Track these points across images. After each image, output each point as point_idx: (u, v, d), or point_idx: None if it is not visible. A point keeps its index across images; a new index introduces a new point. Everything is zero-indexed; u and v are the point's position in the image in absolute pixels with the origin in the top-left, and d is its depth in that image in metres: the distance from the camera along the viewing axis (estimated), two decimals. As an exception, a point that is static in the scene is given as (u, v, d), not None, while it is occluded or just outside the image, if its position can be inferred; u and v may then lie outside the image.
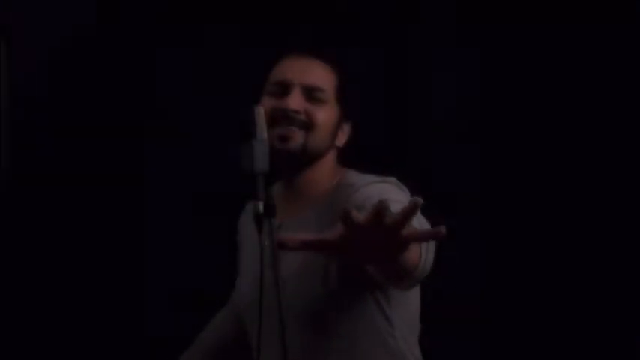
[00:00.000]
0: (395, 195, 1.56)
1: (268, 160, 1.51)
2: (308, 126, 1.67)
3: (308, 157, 1.70)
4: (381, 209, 1.05)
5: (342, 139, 1.77)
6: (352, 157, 1.80)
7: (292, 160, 1.69)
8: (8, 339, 2.67)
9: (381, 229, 1.07)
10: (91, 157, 2.79)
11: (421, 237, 1.16)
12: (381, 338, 1.65)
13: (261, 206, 1.49)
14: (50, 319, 2.74)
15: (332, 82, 1.72)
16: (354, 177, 1.71)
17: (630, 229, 2.50)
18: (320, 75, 1.71)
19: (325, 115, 1.69)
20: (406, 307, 1.69)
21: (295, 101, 1.67)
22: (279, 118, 1.65)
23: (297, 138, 1.66)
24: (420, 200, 1.06)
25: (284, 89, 1.69)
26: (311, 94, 1.69)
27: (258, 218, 1.48)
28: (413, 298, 1.72)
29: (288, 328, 1.54)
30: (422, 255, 1.42)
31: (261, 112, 1.57)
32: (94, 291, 2.78)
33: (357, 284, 1.60)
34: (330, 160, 1.75)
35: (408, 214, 1.07)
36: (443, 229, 1.07)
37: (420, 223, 1.47)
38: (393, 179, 1.66)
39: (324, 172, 1.73)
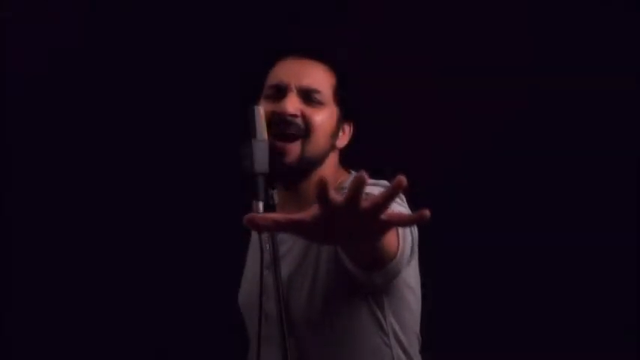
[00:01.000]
0: None
1: (268, 160, 1.51)
2: (306, 131, 1.63)
3: (307, 166, 1.66)
4: (357, 185, 0.96)
5: (343, 140, 1.74)
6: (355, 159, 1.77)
7: (291, 173, 1.66)
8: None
9: (359, 211, 0.98)
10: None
11: (402, 221, 1.04)
12: (374, 345, 1.62)
13: (261, 206, 1.48)
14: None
15: (330, 82, 1.69)
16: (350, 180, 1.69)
17: None
18: (317, 76, 1.68)
19: (323, 117, 1.65)
20: (403, 315, 1.66)
21: (292, 105, 1.63)
22: (277, 122, 1.61)
23: (294, 151, 1.62)
24: (403, 180, 0.95)
25: (281, 92, 1.66)
26: (308, 96, 1.65)
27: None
28: (412, 307, 1.69)
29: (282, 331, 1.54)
30: (399, 246, 1.38)
31: (261, 112, 1.56)
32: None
33: (346, 289, 1.57)
34: (331, 162, 1.71)
35: (389, 196, 0.97)
36: (427, 213, 0.96)
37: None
38: (385, 182, 1.63)
39: (325, 175, 1.65)
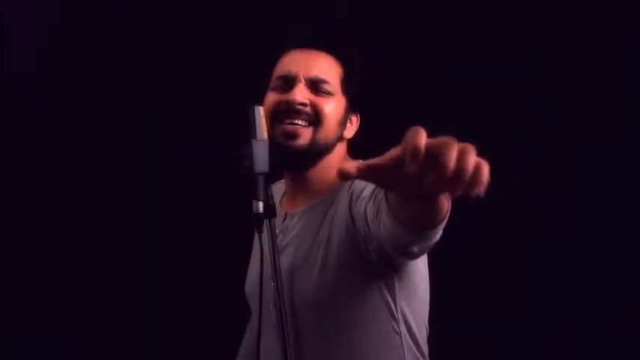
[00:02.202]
0: None
1: (269, 158, 1.51)
2: (315, 119, 1.63)
3: (316, 153, 1.66)
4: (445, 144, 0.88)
5: (350, 131, 1.74)
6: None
7: (299, 158, 1.66)
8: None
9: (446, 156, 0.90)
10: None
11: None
12: (384, 331, 1.62)
13: (261, 206, 1.49)
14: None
15: (337, 73, 1.69)
16: None
17: None
18: (325, 67, 1.67)
19: (332, 107, 1.65)
20: (413, 302, 1.66)
21: (301, 94, 1.63)
22: (285, 111, 1.62)
23: (306, 135, 1.62)
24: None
25: (288, 83, 1.66)
26: (316, 86, 1.65)
27: (258, 218, 1.49)
28: (422, 295, 1.69)
29: (290, 319, 1.53)
30: (447, 213, 1.33)
31: (260, 112, 1.56)
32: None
33: (358, 274, 1.57)
34: (339, 152, 1.72)
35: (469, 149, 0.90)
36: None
37: None
38: None
39: (333, 165, 1.69)
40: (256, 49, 2.44)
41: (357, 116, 1.76)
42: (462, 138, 0.94)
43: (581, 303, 2.53)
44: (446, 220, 1.35)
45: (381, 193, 1.38)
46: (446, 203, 1.30)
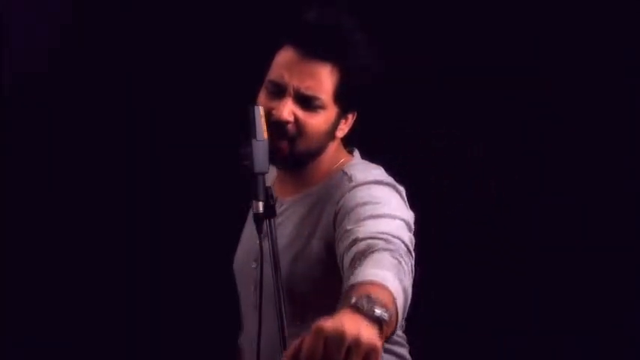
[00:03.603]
0: (386, 204, 1.55)
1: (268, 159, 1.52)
2: (297, 134, 1.65)
3: (298, 161, 1.70)
4: None
5: (344, 130, 1.74)
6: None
7: (282, 164, 1.72)
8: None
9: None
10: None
11: None
12: None
13: (261, 206, 1.49)
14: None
15: (331, 84, 1.66)
16: (354, 167, 1.70)
17: None
18: (318, 80, 1.65)
19: (319, 121, 1.66)
20: None
21: (287, 110, 1.63)
22: (271, 122, 1.62)
23: (285, 149, 1.65)
24: None
25: (279, 92, 1.65)
26: (305, 102, 1.64)
27: (258, 218, 1.49)
28: None
29: (268, 302, 1.53)
30: (399, 317, 1.32)
31: (261, 112, 1.57)
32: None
33: (327, 272, 1.59)
34: (330, 150, 1.73)
35: None
36: None
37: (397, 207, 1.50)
38: (390, 179, 1.65)
39: (323, 162, 1.73)
40: (256, 49, 2.44)
41: (353, 114, 1.75)
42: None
43: (581, 303, 2.53)
44: (402, 316, 1.34)
45: (347, 258, 1.45)
46: (392, 322, 1.27)
